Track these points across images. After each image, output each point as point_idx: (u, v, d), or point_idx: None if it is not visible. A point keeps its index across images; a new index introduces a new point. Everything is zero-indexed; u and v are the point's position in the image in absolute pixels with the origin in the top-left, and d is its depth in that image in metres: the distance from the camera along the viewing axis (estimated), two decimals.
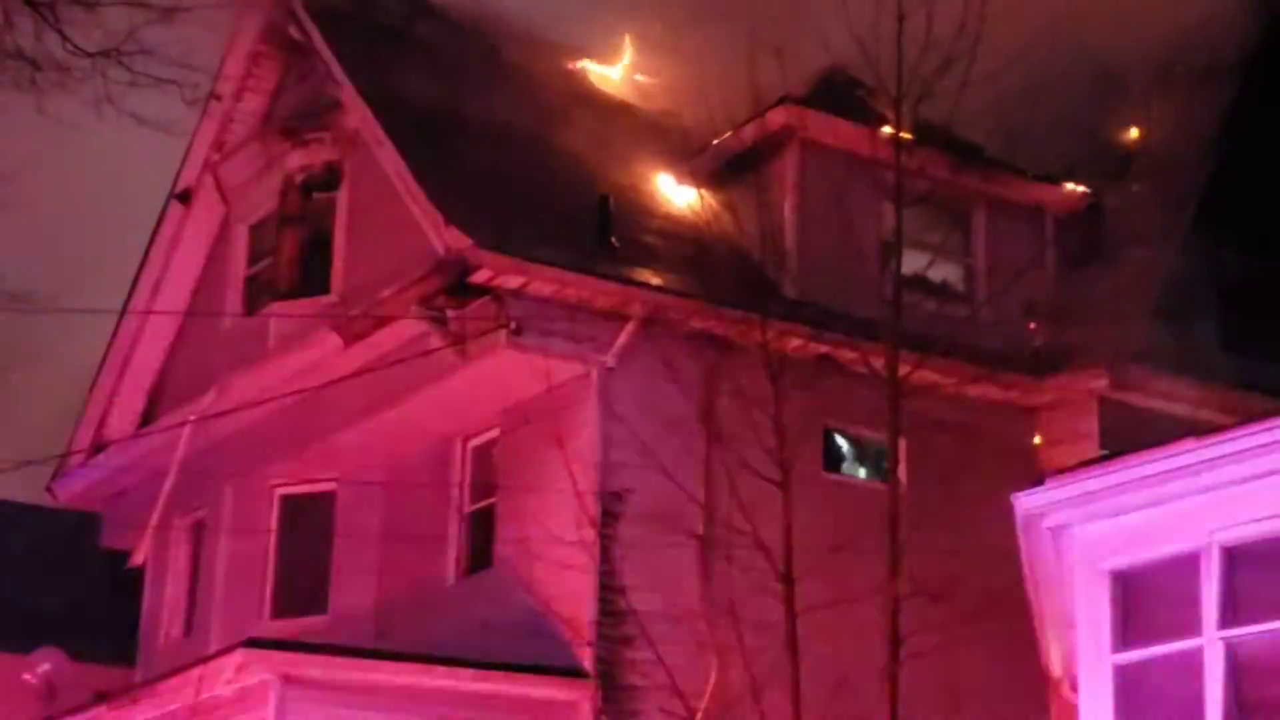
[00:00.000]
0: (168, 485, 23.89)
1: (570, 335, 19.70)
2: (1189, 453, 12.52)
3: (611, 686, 19.03)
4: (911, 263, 19.79)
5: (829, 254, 21.36)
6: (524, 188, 21.27)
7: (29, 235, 25.30)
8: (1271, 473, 12.08)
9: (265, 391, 21.84)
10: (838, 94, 22.09)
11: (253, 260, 23.88)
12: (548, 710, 18.98)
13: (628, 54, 25.16)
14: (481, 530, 21.10)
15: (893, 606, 17.00)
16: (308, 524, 22.87)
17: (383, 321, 20.49)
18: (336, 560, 22.50)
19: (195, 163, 24.31)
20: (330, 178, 22.77)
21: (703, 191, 20.86)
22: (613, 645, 19.09)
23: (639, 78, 25.35)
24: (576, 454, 19.26)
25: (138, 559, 25.33)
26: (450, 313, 19.80)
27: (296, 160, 22.95)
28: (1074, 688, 13.49)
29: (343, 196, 22.57)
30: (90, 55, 15.48)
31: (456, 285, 19.61)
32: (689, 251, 20.95)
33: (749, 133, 21.84)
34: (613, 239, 20.74)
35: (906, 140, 18.68)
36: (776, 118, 21.75)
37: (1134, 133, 24.56)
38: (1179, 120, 24.10)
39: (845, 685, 18.66)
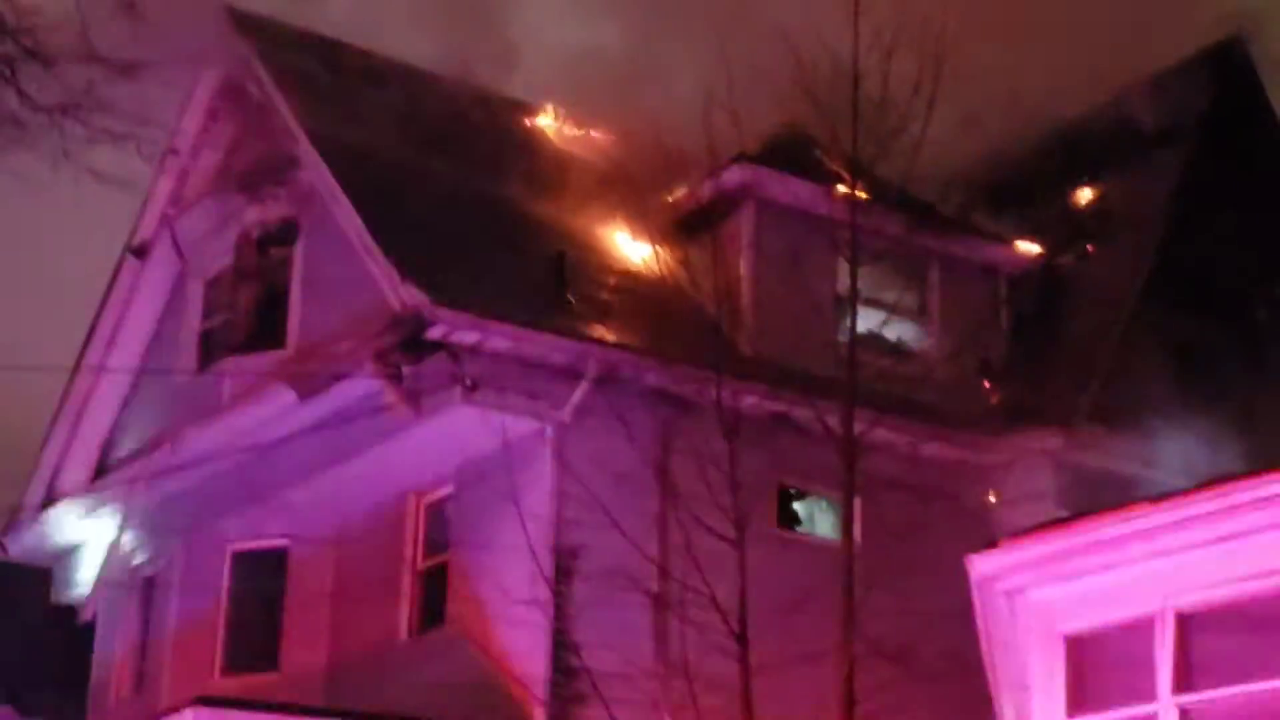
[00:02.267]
0: (119, 540, 23.76)
1: (526, 391, 19.68)
2: (1144, 517, 12.54)
3: None
4: (866, 321, 19.83)
5: (784, 312, 21.42)
6: (480, 244, 21.29)
7: None
8: (1227, 538, 12.11)
9: (219, 447, 21.76)
10: (793, 152, 22.16)
11: (208, 315, 23.80)
12: None
13: (584, 111, 25.20)
14: (435, 587, 21.02)
15: (847, 667, 16.99)
16: (260, 580, 22.74)
17: (338, 377, 20.44)
18: (288, 617, 22.38)
19: (151, 217, 24.24)
20: (286, 233, 22.75)
21: (658, 248, 20.88)
22: (566, 704, 19.02)
23: (595, 134, 25.41)
24: (531, 511, 19.19)
25: (88, 614, 25.16)
26: (405, 368, 19.77)
27: (253, 215, 22.93)
28: None
29: (298, 252, 22.54)
30: (47, 111, 15.43)
31: (412, 341, 19.58)
32: (645, 308, 20.99)
33: (705, 190, 21.90)
34: (569, 295, 20.75)
35: (861, 199, 18.74)
36: (732, 176, 21.82)
37: (1089, 194, 24.70)
38: (1133, 181, 24.26)
39: None
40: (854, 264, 18.53)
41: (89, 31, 15.19)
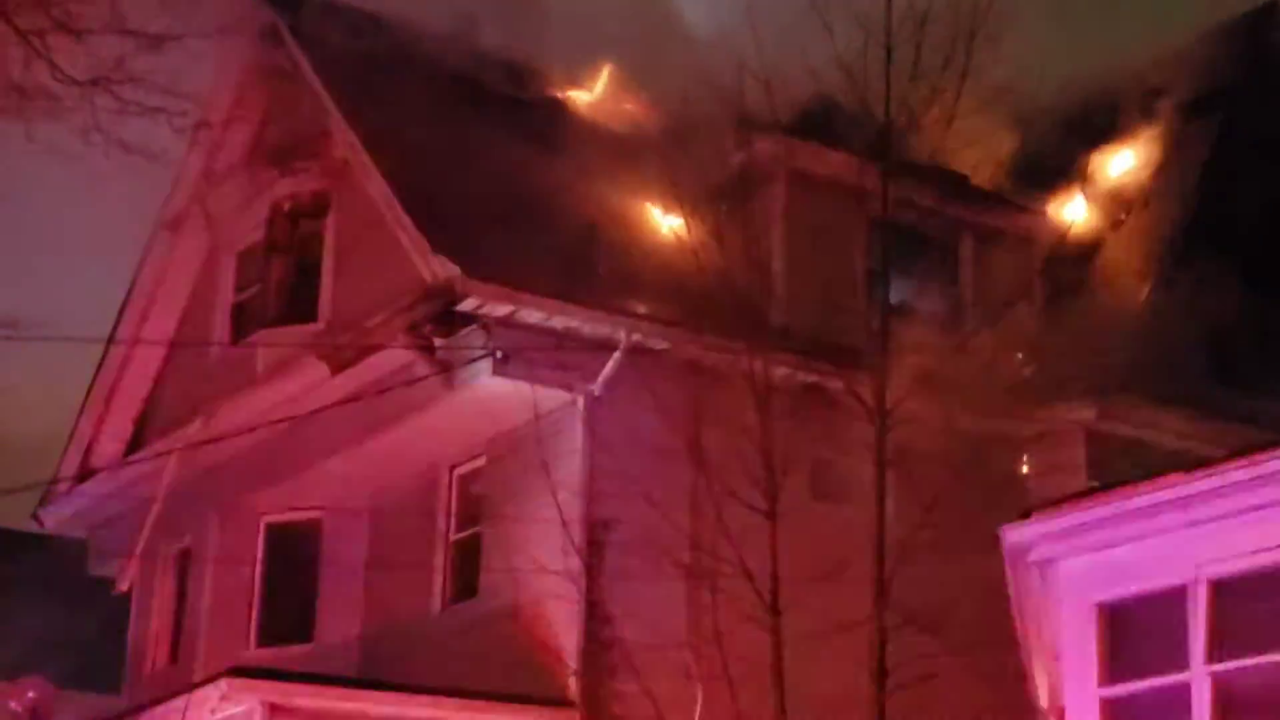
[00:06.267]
0: (154, 513, 23.86)
1: (557, 364, 19.71)
2: (1176, 486, 12.49)
3: (596, 717, 18.99)
4: (899, 292, 19.80)
5: (816, 283, 21.37)
6: (511, 216, 21.27)
7: (16, 262, 25.31)
8: (1259, 507, 12.06)
9: (252, 419, 21.81)
10: (825, 124, 22.08)
11: (240, 288, 23.87)
12: None
13: (615, 83, 25.14)
14: (468, 559, 21.08)
15: (879, 637, 16.99)
16: (294, 552, 22.84)
17: (370, 350, 20.50)
18: (322, 589, 22.48)
19: (183, 191, 24.30)
20: (318, 206, 22.80)
21: (690, 220, 20.84)
22: (598, 675, 19.06)
23: (626, 106, 25.34)
24: (562, 483, 19.26)
25: (123, 586, 25.28)
26: (437, 341, 19.81)
27: (284, 189, 22.98)
28: None
29: (330, 225, 22.59)
30: (79, 84, 15.50)
31: (443, 313, 19.63)
32: (676, 280, 20.94)
33: (737, 162, 21.84)
34: (600, 268, 20.74)
35: (894, 170, 18.70)
36: (764, 147, 21.77)
37: (1122, 164, 24.60)
38: (1167, 151, 24.16)
39: (832, 717, 18.62)
40: (886, 235, 18.51)
41: (120, 4, 15.22)
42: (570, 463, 19.58)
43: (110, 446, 25.26)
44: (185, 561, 24.29)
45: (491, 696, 18.96)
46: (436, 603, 21.27)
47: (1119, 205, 24.12)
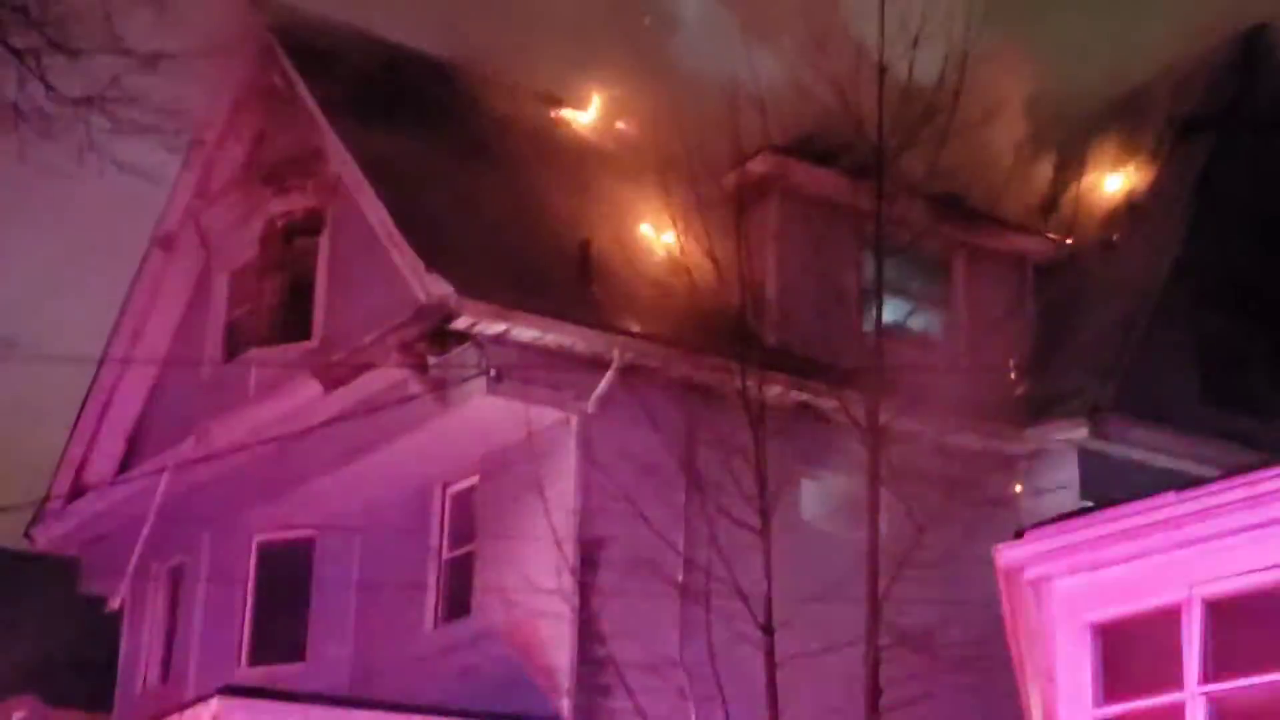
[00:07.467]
0: (146, 531, 23.81)
1: (550, 382, 19.71)
2: (1170, 506, 12.52)
3: None
4: (892, 311, 19.82)
5: (810, 302, 21.39)
6: (505, 235, 21.31)
7: (9, 281, 25.28)
8: (1253, 526, 12.09)
9: (245, 437, 21.81)
10: (819, 143, 22.13)
11: (233, 306, 23.85)
12: None
13: (608, 102, 25.19)
14: (460, 577, 21.05)
15: (873, 656, 16.99)
16: (286, 571, 22.80)
17: (363, 368, 20.49)
18: (314, 607, 22.44)
19: (177, 209, 24.29)
20: (312, 224, 22.79)
21: (684, 239, 20.87)
22: (591, 694, 19.04)
23: (620, 125, 25.38)
24: (556, 501, 19.24)
25: (115, 605, 25.23)
26: (431, 359, 19.81)
27: (278, 207, 22.98)
28: None
29: (324, 243, 22.57)
30: (73, 103, 15.52)
31: (437, 331, 19.63)
32: (670, 299, 20.97)
33: (730, 181, 21.84)
34: (593, 286, 20.75)
35: (887, 190, 18.73)
36: (758, 166, 21.79)
37: (1114, 183, 24.64)
38: (1159, 170, 24.21)
39: None
40: (879, 254, 18.54)
41: (114, 23, 15.25)
42: (563, 481, 19.58)
43: (102, 465, 25.22)
44: (177, 580, 24.26)
45: (485, 715, 18.94)
46: (429, 621, 21.24)
47: (1111, 225, 24.16)
